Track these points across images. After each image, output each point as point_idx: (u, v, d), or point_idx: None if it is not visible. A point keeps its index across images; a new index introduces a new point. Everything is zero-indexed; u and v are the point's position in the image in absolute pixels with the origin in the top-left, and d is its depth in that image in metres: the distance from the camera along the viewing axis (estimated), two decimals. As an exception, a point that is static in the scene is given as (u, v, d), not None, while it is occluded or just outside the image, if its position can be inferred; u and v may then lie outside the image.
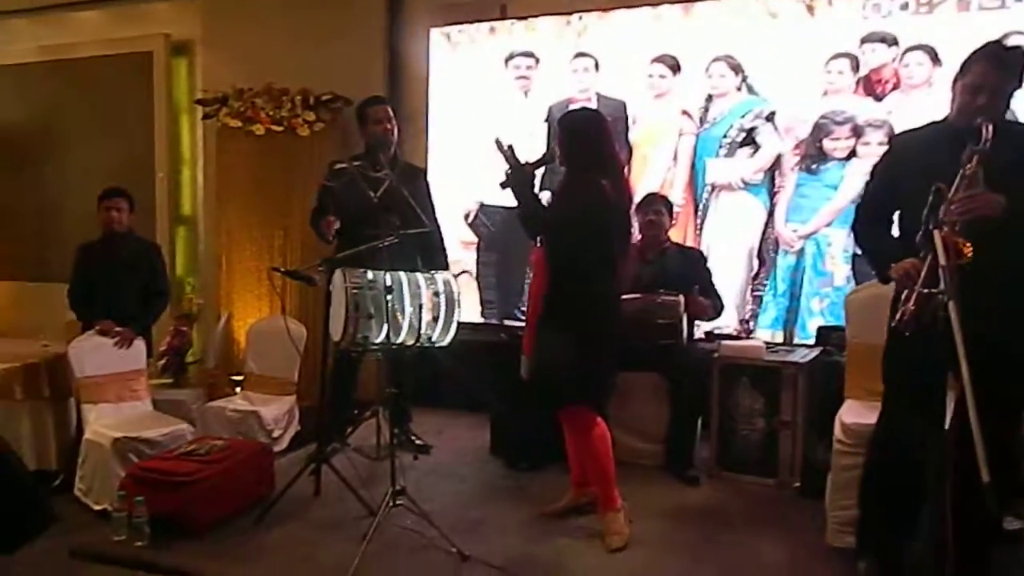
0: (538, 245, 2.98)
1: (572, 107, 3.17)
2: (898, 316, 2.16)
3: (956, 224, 2.12)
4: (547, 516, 3.14)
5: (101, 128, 5.67)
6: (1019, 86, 2.31)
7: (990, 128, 2.14)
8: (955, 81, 2.38)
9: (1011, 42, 2.54)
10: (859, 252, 2.90)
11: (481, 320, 4.77)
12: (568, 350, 2.80)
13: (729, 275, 4.16)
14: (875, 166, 2.67)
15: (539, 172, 3.00)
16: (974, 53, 2.34)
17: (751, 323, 4.15)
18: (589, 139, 2.93)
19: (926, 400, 2.27)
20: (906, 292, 2.18)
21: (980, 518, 1.92)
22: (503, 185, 2.93)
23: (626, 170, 4.45)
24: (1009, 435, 2.37)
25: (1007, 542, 2.63)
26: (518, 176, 2.88)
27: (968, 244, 2.11)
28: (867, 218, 2.60)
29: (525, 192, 2.88)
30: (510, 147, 2.89)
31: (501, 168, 2.90)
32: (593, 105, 4.50)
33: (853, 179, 3.97)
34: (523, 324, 4.50)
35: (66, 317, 4.24)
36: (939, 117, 2.48)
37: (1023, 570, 2.58)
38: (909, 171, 2.39)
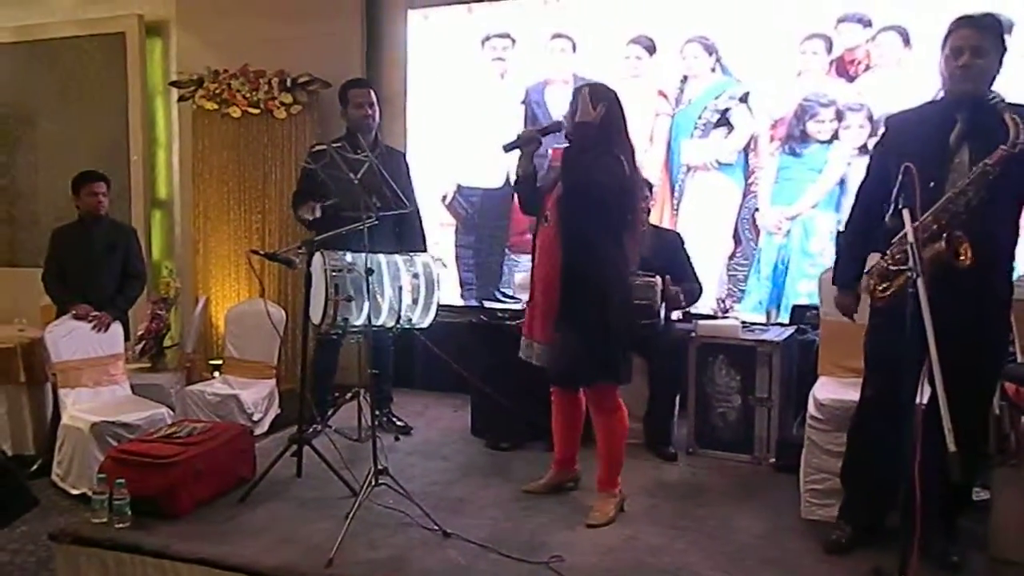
0: (545, 224, 2.88)
1: (586, 82, 3.00)
2: (871, 287, 2.23)
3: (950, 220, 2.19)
4: (529, 493, 3.17)
5: (74, 110, 5.59)
6: (1004, 50, 2.34)
7: (1021, 133, 2.18)
8: (941, 58, 2.39)
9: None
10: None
11: (460, 302, 4.79)
12: (596, 331, 2.77)
13: (706, 255, 4.20)
14: (874, 149, 2.70)
15: (545, 140, 2.95)
16: (952, 23, 2.38)
17: (727, 302, 4.20)
18: (616, 115, 2.83)
19: (906, 376, 2.30)
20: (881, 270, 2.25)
21: (946, 487, 1.98)
22: (507, 147, 2.91)
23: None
24: (980, 411, 2.44)
25: (976, 511, 2.71)
26: (527, 136, 2.88)
27: (967, 246, 2.17)
28: (859, 210, 2.63)
29: (528, 151, 2.86)
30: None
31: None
32: (569, 86, 4.52)
33: (837, 161, 4.02)
34: (503, 306, 4.57)
35: (42, 301, 4.21)
36: (920, 98, 2.54)
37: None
38: (898, 152, 2.39)
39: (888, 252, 2.37)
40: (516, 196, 3.10)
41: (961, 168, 2.31)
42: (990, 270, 2.32)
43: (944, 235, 2.21)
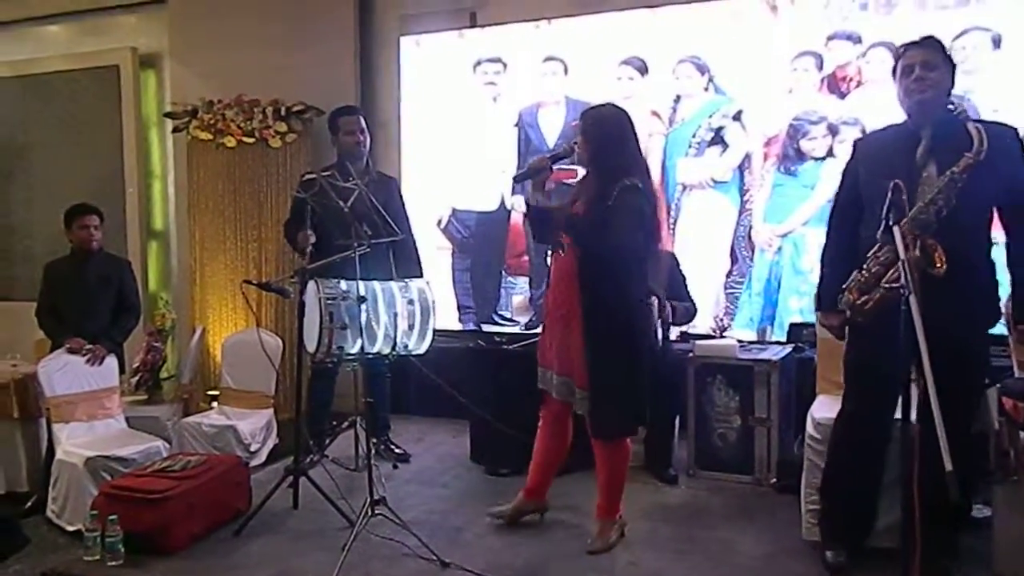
0: (562, 253, 2.81)
1: (594, 105, 2.94)
2: (850, 301, 2.29)
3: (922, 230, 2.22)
4: (494, 518, 3.09)
5: (69, 143, 5.62)
6: (953, 66, 2.46)
7: (984, 140, 2.25)
8: (896, 84, 2.50)
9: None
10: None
11: (459, 326, 4.78)
12: (628, 383, 2.70)
13: (702, 274, 4.18)
14: (844, 170, 2.75)
15: (556, 167, 2.87)
16: (896, 50, 2.54)
17: (724, 320, 4.17)
18: (622, 137, 2.77)
19: (887, 393, 2.36)
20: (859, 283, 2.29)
21: (945, 506, 1.95)
22: (519, 178, 2.89)
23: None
24: (967, 425, 2.42)
25: (977, 529, 2.67)
26: (538, 165, 2.83)
27: (941, 254, 2.20)
28: (836, 230, 2.68)
29: (539, 180, 2.81)
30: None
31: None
32: (562, 108, 4.54)
33: (829, 178, 4.01)
34: (501, 329, 4.55)
35: (36, 335, 4.19)
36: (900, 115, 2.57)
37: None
38: (870, 172, 2.50)
39: (865, 266, 2.38)
40: (530, 225, 3.03)
41: (930, 182, 2.37)
42: (967, 279, 2.33)
43: (918, 243, 2.23)
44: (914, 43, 2.49)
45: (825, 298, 2.66)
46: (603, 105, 2.90)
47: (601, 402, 2.72)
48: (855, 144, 2.74)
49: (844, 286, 2.42)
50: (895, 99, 2.54)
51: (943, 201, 2.30)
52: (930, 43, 2.47)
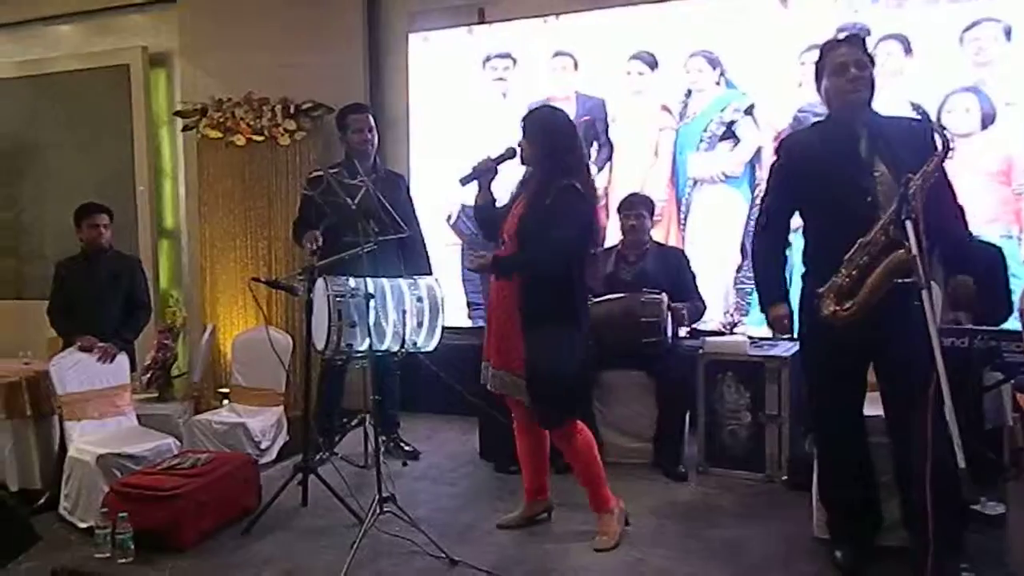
0: (501, 247, 2.87)
1: (534, 105, 3.05)
2: (832, 311, 2.28)
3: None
4: (503, 528, 3.05)
5: (80, 142, 5.64)
6: (873, 65, 2.46)
7: (948, 140, 2.24)
8: (818, 83, 2.51)
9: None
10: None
11: (468, 323, 4.76)
12: (563, 363, 2.73)
13: (713, 269, 4.16)
14: (769, 176, 2.75)
15: (500, 167, 2.94)
16: (822, 47, 2.53)
17: (735, 315, 4.15)
18: (566, 138, 2.83)
19: (850, 387, 2.47)
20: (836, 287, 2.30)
21: (955, 504, 1.94)
22: (464, 180, 2.92)
23: (608, 167, 4.47)
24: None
25: (990, 527, 2.64)
26: (483, 167, 2.90)
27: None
28: (768, 231, 2.66)
29: (485, 181, 2.90)
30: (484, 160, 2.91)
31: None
32: (572, 104, 4.51)
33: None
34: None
35: (48, 334, 4.22)
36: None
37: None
38: (806, 171, 2.48)
39: (844, 269, 2.31)
40: (477, 224, 3.11)
41: (885, 180, 2.34)
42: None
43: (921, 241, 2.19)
44: (839, 41, 2.51)
45: (766, 294, 2.66)
46: (544, 107, 3.02)
47: (540, 393, 2.76)
48: (782, 144, 2.71)
49: (820, 291, 2.34)
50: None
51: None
52: (857, 41, 2.48)
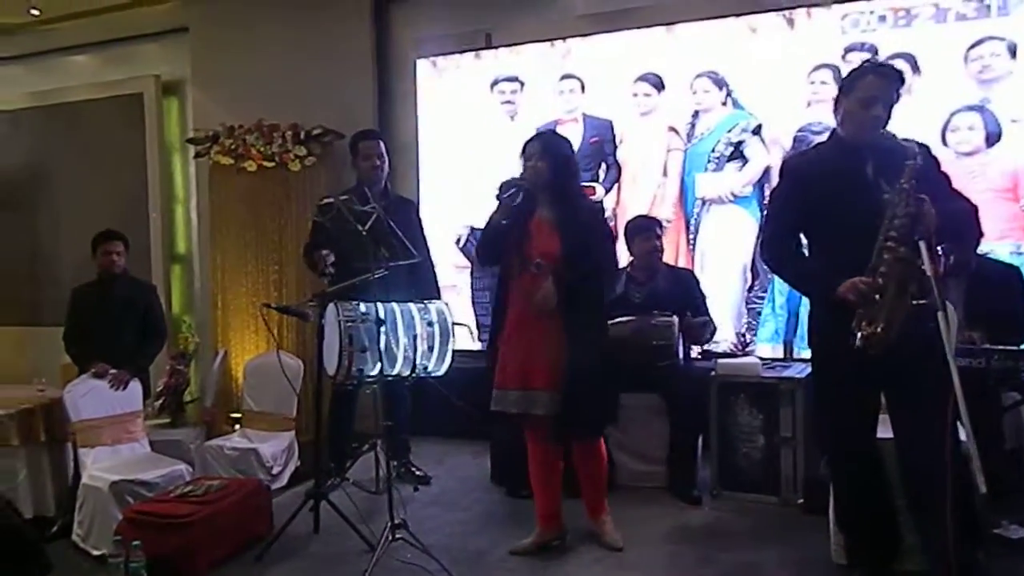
0: (535, 272, 2.86)
1: (541, 130, 3.13)
2: (864, 335, 2.19)
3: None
4: (516, 555, 3.02)
5: (94, 170, 5.71)
6: (898, 99, 2.40)
7: (917, 157, 2.23)
8: (838, 98, 2.46)
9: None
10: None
11: (478, 346, 4.75)
12: (604, 371, 2.86)
13: (723, 289, 4.15)
14: (773, 194, 2.73)
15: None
16: (857, 70, 2.45)
17: (747, 336, 4.13)
18: (574, 161, 3.02)
19: (864, 410, 2.43)
20: (864, 310, 2.21)
21: (973, 528, 1.91)
22: (505, 196, 2.90)
23: (615, 188, 4.49)
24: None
25: (1012, 550, 2.60)
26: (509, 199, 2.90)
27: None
28: (778, 245, 2.60)
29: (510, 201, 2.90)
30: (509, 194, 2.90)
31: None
32: (580, 125, 4.54)
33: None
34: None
35: (63, 360, 4.23)
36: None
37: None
38: (815, 190, 2.44)
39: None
40: (484, 246, 3.08)
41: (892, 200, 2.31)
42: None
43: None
44: (878, 70, 2.41)
45: (819, 284, 2.46)
46: (549, 131, 3.22)
47: (582, 402, 2.81)
48: (786, 166, 2.66)
49: (853, 324, 2.25)
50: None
51: (902, 210, 2.20)
52: (894, 77, 2.39)
